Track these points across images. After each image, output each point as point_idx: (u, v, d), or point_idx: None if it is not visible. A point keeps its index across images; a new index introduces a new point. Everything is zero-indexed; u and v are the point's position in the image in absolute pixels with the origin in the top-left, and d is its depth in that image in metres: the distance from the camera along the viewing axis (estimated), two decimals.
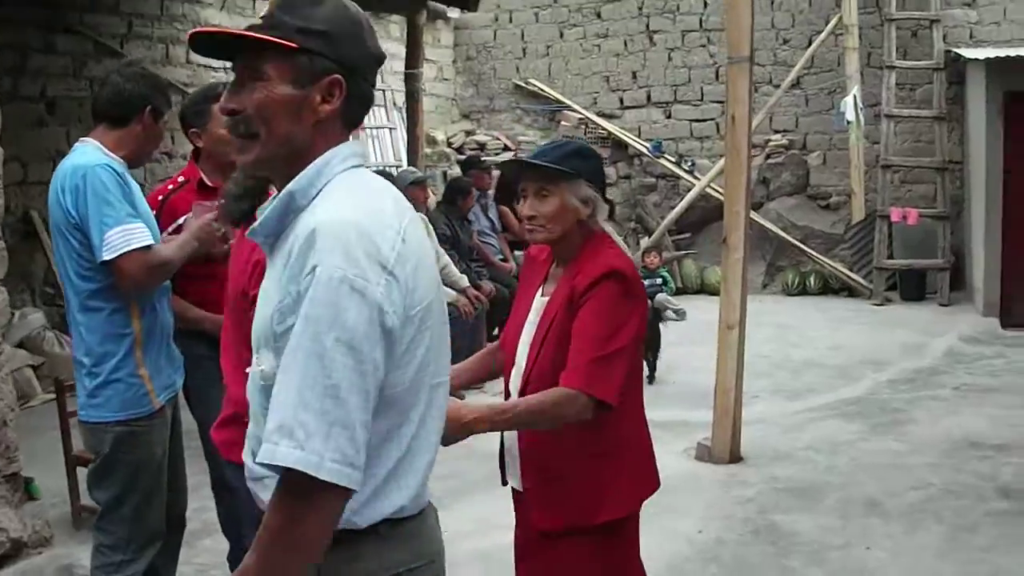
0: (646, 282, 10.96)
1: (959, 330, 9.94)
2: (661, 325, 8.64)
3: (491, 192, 9.84)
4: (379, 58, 1.94)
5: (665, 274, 11.84)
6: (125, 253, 3.32)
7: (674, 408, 7.08)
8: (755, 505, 5.48)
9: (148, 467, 3.55)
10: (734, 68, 6.06)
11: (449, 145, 13.57)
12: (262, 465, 1.69)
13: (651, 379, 7.99)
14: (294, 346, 1.68)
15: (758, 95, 12.18)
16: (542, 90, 14.10)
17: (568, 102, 13.85)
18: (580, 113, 13.66)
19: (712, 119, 13.33)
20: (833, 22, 12.37)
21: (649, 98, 13.75)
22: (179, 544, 3.92)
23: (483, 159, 11.67)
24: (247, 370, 1.92)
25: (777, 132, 13.11)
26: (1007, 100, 10.31)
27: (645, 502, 2.97)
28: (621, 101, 13.87)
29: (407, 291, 1.78)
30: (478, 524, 5.06)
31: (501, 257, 9.65)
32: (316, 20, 1.82)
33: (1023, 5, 11.91)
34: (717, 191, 11.23)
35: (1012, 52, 10.30)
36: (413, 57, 10.40)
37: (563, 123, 13.65)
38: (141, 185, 3.68)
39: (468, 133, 14.01)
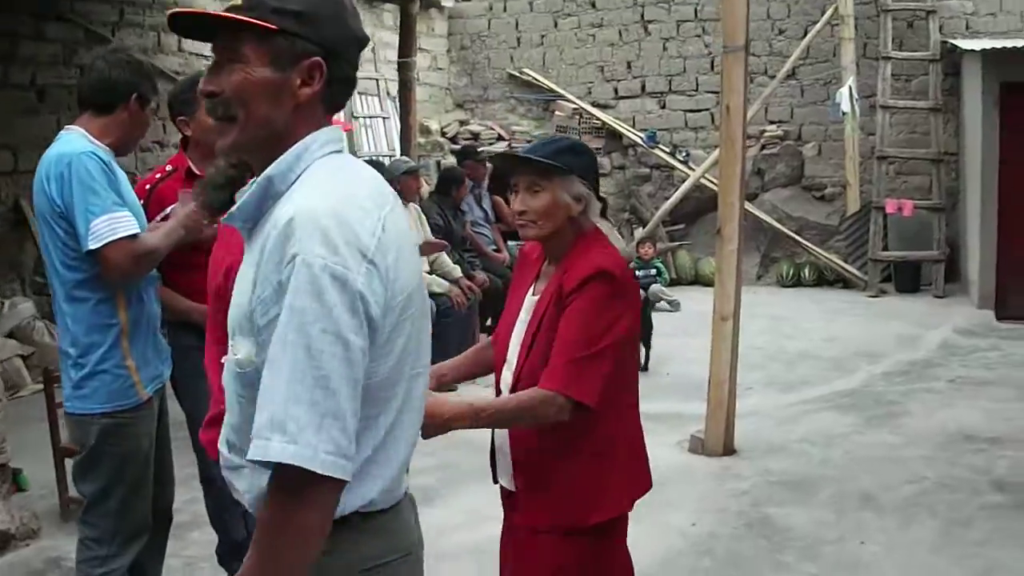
0: (640, 273, 11.08)
1: (954, 322, 9.94)
2: (653, 314, 8.62)
3: (485, 183, 9.81)
4: (362, 41, 1.91)
5: (659, 265, 11.80)
6: (111, 242, 3.27)
7: (667, 400, 7.05)
8: (749, 498, 5.45)
9: (134, 460, 3.50)
10: (729, 57, 6.02)
11: (443, 135, 13.53)
12: (254, 462, 1.65)
13: (644, 368, 7.99)
14: (281, 338, 1.65)
15: (753, 85, 12.13)
16: (536, 80, 14.06)
17: (562, 92, 13.82)
18: (574, 103, 13.62)
19: (707, 109, 13.30)
20: (829, 12, 12.34)
21: (644, 88, 13.72)
22: (165, 538, 3.88)
23: (480, 150, 11.63)
24: (221, 359, 1.88)
25: (772, 123, 13.11)
26: (1003, 91, 10.27)
27: (647, 492, 2.95)
28: (616, 91, 13.84)
29: (388, 280, 1.74)
30: (470, 516, 5.05)
31: (494, 247, 9.61)
32: (296, 1, 1.79)
33: None
34: (712, 182, 11.19)
35: (1008, 43, 10.28)
36: (406, 46, 10.34)
37: (557, 113, 13.61)
38: (133, 175, 3.63)
39: (462, 123, 13.98)
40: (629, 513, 2.93)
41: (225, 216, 1.88)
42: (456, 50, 14.64)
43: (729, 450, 6.14)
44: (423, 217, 8.22)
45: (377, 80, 12.41)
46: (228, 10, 1.79)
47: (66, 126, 3.50)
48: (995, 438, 6.30)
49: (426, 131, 13.03)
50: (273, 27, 1.77)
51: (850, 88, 11.80)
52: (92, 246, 3.26)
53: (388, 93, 12.33)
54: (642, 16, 13.62)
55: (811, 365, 8.45)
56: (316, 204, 1.70)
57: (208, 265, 2.94)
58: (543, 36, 14.13)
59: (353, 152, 11.51)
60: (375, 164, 7.89)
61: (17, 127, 8.21)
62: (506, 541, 2.98)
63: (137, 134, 3.59)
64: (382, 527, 1.88)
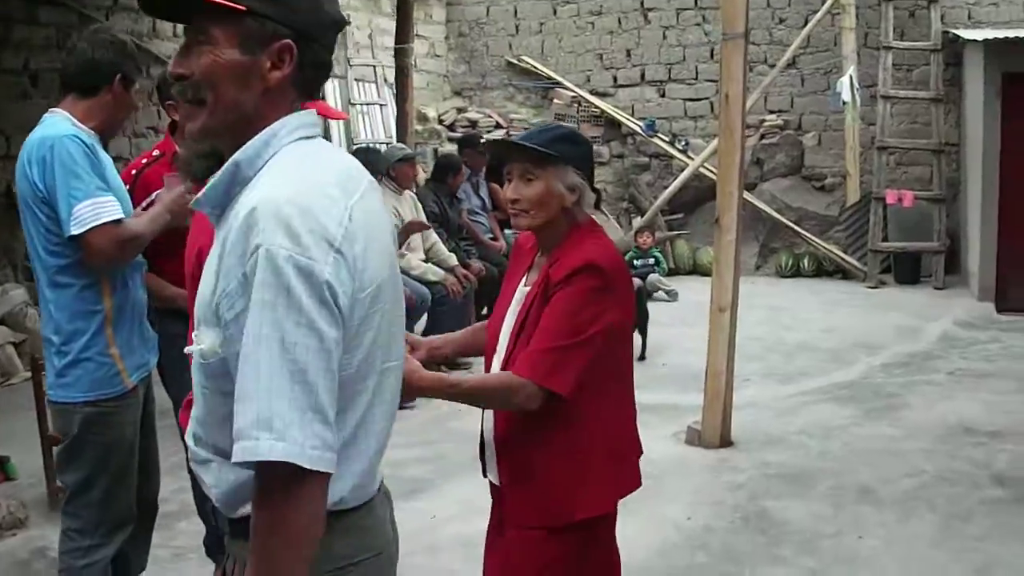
0: (638, 262, 11.06)
1: (954, 314, 9.88)
2: (651, 304, 8.59)
3: (483, 171, 9.74)
4: (339, 23, 1.85)
5: (657, 254, 11.78)
6: (94, 227, 3.20)
7: (664, 391, 7.00)
8: (745, 491, 5.39)
9: (118, 449, 3.44)
10: (728, 45, 5.94)
11: (440, 122, 13.46)
12: (242, 464, 1.60)
13: (642, 357, 8.01)
14: (254, 334, 1.59)
15: (753, 75, 12.10)
16: (535, 67, 13.99)
17: (561, 80, 13.75)
18: (573, 91, 13.55)
19: (706, 98, 13.24)
20: (830, 1, 12.26)
21: (643, 76, 13.65)
22: (151, 529, 3.82)
23: (481, 139, 11.56)
24: (185, 350, 1.82)
25: (772, 112, 13.05)
26: (1005, 82, 10.21)
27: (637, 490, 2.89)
28: (615, 79, 13.76)
29: (356, 271, 1.69)
30: (462, 507, 5.00)
31: (491, 236, 9.55)
32: None
33: None
34: (711, 171, 11.14)
35: (1011, 33, 10.21)
36: (403, 32, 10.27)
37: (556, 101, 13.54)
38: (127, 160, 3.56)
39: (460, 110, 13.91)
40: (621, 507, 2.87)
41: (192, 201, 1.83)
42: (454, 37, 14.56)
43: (726, 442, 6.08)
44: (419, 204, 8.18)
45: (374, 67, 12.34)
46: None
47: (50, 109, 3.43)
48: (995, 431, 6.24)
49: (423, 119, 12.98)
50: (241, 7, 1.71)
51: (851, 77, 11.75)
52: (74, 231, 3.19)
53: (385, 80, 12.26)
54: (642, 4, 13.54)
55: (809, 356, 8.39)
56: (279, 193, 1.65)
57: None
58: (542, 23, 14.05)
59: (350, 139, 11.46)
60: (370, 151, 7.84)
61: (10, 112, 8.14)
62: (492, 537, 2.94)
63: (122, 116, 3.52)
64: (354, 525, 1.83)
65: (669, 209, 12.83)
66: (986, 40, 10.15)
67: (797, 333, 9.22)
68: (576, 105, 13.46)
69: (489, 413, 2.82)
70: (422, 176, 9.71)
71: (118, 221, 3.27)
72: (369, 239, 1.73)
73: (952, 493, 5.29)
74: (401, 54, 10.27)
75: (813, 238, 12.34)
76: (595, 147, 12.84)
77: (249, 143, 1.75)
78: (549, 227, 2.76)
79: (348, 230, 1.68)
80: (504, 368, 2.73)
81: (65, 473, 3.49)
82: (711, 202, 8.07)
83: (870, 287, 11.56)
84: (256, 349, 1.59)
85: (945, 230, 11.64)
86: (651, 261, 11.47)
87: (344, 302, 1.65)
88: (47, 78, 8.62)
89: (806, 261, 12.42)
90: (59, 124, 3.30)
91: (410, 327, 5.96)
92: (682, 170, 12.67)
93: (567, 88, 13.60)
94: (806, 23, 12.55)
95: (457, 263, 8.22)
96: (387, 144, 10.76)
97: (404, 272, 7.56)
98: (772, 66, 12.62)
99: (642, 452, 2.93)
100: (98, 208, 3.22)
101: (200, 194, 1.79)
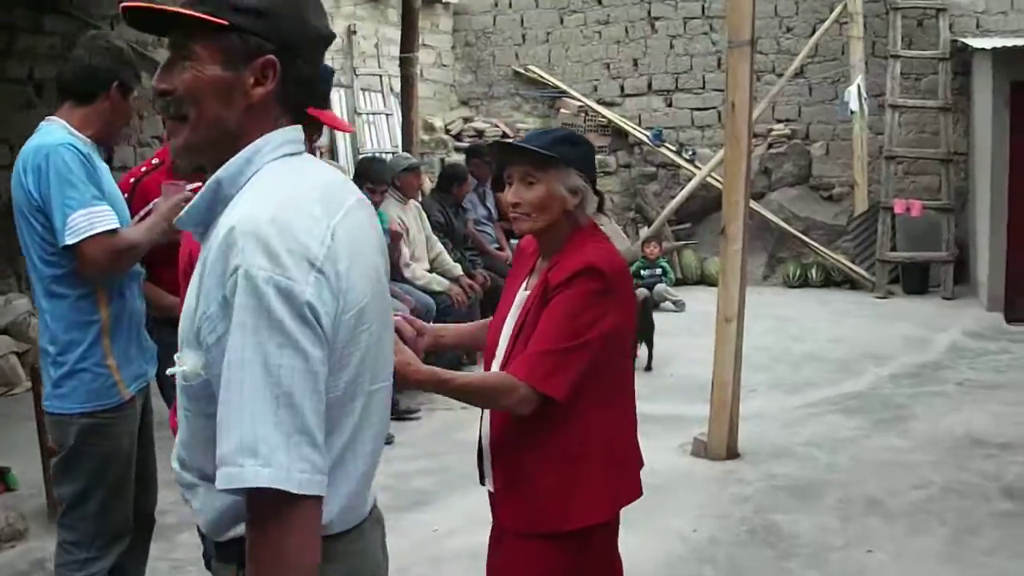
0: (645, 272, 11.02)
1: (963, 324, 9.82)
2: (657, 314, 8.56)
3: (489, 181, 9.72)
4: (325, 38, 1.81)
5: (664, 264, 11.74)
6: (89, 237, 3.16)
7: (670, 401, 6.96)
8: (752, 504, 5.33)
9: (115, 461, 3.40)
10: (735, 53, 5.90)
11: (447, 132, 13.43)
12: (228, 491, 1.56)
13: (648, 368, 8.00)
14: (236, 357, 1.55)
15: (761, 84, 12.08)
16: (541, 77, 13.96)
17: (568, 89, 13.71)
18: (580, 100, 13.53)
19: (714, 108, 13.18)
20: (837, 10, 12.24)
21: (650, 86, 13.61)
22: (148, 542, 3.77)
23: (488, 144, 11.55)
24: (167, 371, 1.78)
25: (780, 121, 13.00)
26: (1014, 91, 10.17)
27: (636, 500, 2.84)
28: (622, 89, 13.73)
29: (340, 291, 1.64)
30: (466, 519, 4.95)
31: (497, 246, 9.52)
32: None
33: None
34: (718, 181, 11.09)
35: (1019, 42, 10.14)
36: (408, 41, 10.25)
37: (562, 111, 13.52)
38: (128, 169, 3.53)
39: (466, 120, 13.87)
40: (625, 519, 2.83)
41: (176, 219, 1.80)
42: (461, 47, 14.54)
43: (732, 454, 6.02)
44: (423, 214, 8.15)
45: (380, 76, 12.33)
46: (182, 5, 1.70)
47: (47, 117, 3.39)
48: (1005, 443, 6.17)
49: (430, 128, 12.96)
50: (222, 22, 1.67)
51: (859, 87, 11.69)
52: (69, 241, 3.16)
53: (391, 90, 12.24)
54: (649, 13, 13.51)
55: (817, 367, 8.33)
56: (259, 212, 1.61)
57: None
58: (549, 33, 14.02)
59: (356, 149, 11.44)
60: (375, 160, 7.80)
61: (14, 121, 8.11)
62: (493, 546, 2.90)
63: (120, 124, 3.49)
64: (342, 551, 1.78)
65: (676, 219, 12.81)
66: (995, 49, 10.11)
67: (804, 344, 9.17)
68: (583, 115, 13.44)
69: (487, 421, 2.77)
70: (428, 185, 9.68)
71: (113, 231, 3.24)
72: (354, 258, 1.69)
73: (961, 506, 5.23)
74: (407, 63, 10.25)
75: (821, 248, 12.29)
76: (602, 157, 12.85)
77: (231, 160, 1.72)
78: (551, 230, 2.73)
79: (330, 249, 1.64)
80: (502, 371, 2.69)
81: (61, 485, 3.44)
82: (718, 212, 8.03)
83: (878, 297, 11.50)
84: (239, 374, 1.55)
85: (954, 240, 11.58)
86: (658, 271, 11.45)
87: (327, 322, 1.61)
88: (52, 87, 8.56)
89: (814, 271, 12.36)
90: (55, 132, 3.27)
91: None
92: (689, 180, 12.64)
93: (574, 98, 13.58)
94: (814, 32, 12.52)
95: (462, 273, 8.20)
96: (393, 153, 10.73)
97: (409, 282, 7.55)
98: (780, 75, 12.58)
99: (643, 463, 2.88)
100: (93, 218, 3.18)
101: (183, 212, 1.76)
